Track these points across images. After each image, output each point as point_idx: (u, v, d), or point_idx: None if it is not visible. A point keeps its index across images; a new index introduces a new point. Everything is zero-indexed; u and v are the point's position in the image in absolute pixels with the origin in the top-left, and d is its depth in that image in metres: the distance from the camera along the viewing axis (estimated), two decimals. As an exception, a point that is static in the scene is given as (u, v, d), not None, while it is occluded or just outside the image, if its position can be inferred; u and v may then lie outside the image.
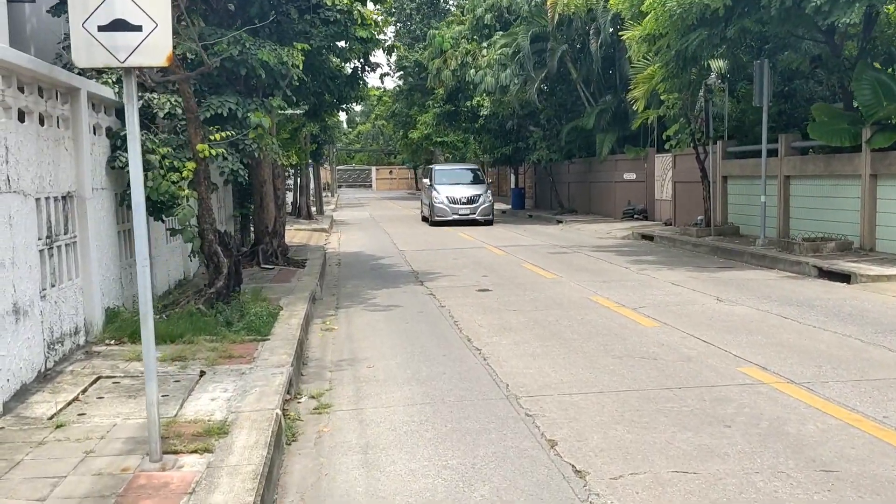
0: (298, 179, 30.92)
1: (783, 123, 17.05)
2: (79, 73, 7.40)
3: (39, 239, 6.25)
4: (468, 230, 23.39)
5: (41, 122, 6.46)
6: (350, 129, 77.22)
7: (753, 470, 4.48)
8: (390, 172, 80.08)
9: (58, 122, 6.85)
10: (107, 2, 4.21)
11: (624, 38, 18.05)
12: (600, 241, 19.09)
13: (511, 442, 5.03)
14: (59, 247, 6.71)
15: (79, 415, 5.19)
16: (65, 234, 6.87)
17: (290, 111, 14.97)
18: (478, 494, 4.26)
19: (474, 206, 25.65)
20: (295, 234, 21.43)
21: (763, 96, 14.86)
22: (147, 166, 8.11)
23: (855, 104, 14.24)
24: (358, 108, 66.29)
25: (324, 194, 39.71)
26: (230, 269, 8.74)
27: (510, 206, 35.14)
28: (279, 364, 6.46)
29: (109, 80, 8.53)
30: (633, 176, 25.54)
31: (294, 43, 10.24)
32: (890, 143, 13.19)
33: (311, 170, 32.41)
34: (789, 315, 9.02)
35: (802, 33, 15.37)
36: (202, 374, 6.17)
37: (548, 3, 26.08)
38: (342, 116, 50.41)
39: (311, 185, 32.89)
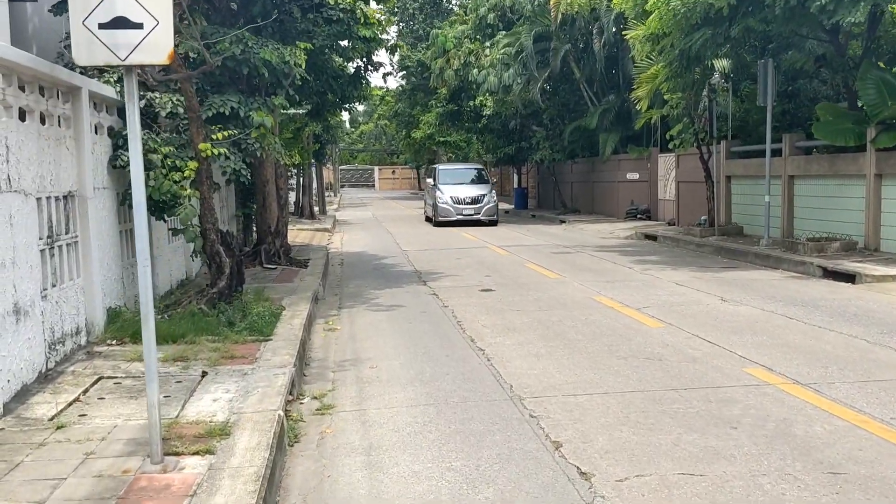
0: (301, 179, 30.89)
1: (787, 123, 16.99)
2: (80, 72, 7.38)
3: (40, 239, 6.22)
4: (471, 230, 23.33)
5: (42, 122, 6.43)
6: (353, 129, 77.22)
7: (760, 472, 4.44)
8: (393, 172, 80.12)
9: (59, 121, 6.82)
10: (107, -1, 4.18)
11: (627, 37, 18.00)
12: (603, 241, 19.04)
13: (515, 443, 4.99)
14: (60, 246, 6.68)
15: (80, 416, 5.15)
16: (66, 233, 6.84)
17: (292, 110, 14.98)
18: (482, 497, 4.22)
19: (479, 206, 25.28)
20: (297, 233, 21.39)
21: (767, 96, 14.81)
22: (149, 166, 8.09)
23: (859, 104, 14.17)
24: (361, 107, 66.47)
25: (326, 194, 39.64)
26: (232, 268, 8.72)
27: (513, 206, 35.11)
28: (281, 364, 6.42)
29: (111, 80, 8.52)
30: (636, 176, 25.47)
31: (297, 42, 10.20)
32: (895, 143, 13.14)
33: (313, 169, 32.40)
34: (794, 315, 8.97)
35: (807, 32, 15.32)
36: (204, 374, 6.13)
37: (551, 3, 26.04)
38: (345, 116, 50.34)
39: (314, 185, 32.88)
